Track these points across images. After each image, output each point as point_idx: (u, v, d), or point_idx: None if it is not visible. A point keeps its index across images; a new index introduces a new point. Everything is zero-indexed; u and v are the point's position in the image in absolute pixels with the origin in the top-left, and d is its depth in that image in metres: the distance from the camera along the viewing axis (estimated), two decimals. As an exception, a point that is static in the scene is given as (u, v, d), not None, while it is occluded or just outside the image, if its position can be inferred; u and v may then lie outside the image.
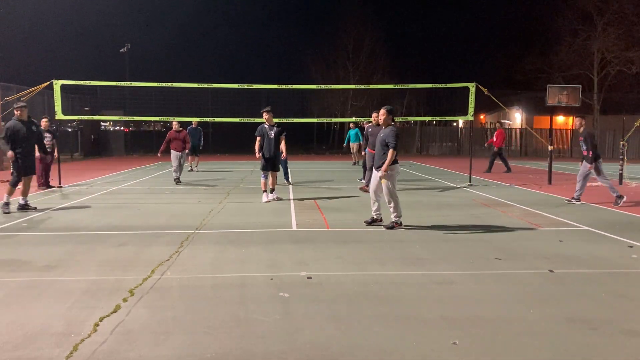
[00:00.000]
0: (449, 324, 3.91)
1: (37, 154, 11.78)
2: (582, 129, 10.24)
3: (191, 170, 17.48)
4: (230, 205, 9.89)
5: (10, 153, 8.82)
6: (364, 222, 7.78)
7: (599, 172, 10.07)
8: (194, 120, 16.87)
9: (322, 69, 37.99)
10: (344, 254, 6.01)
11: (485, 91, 13.56)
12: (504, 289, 4.76)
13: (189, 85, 16.25)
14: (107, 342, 3.53)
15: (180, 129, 14.25)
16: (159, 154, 14.33)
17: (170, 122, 15.69)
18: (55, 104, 13.32)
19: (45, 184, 12.24)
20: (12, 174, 9.10)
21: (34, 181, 12.31)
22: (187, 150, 14.47)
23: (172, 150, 13.87)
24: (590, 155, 9.93)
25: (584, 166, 10.16)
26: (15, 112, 9.10)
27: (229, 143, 31.43)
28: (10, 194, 9.00)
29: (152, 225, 7.84)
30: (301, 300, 4.41)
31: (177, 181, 13.81)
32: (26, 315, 4.04)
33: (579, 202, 10.29)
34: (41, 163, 12.14)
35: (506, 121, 41.91)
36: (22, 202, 9.14)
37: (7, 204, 8.92)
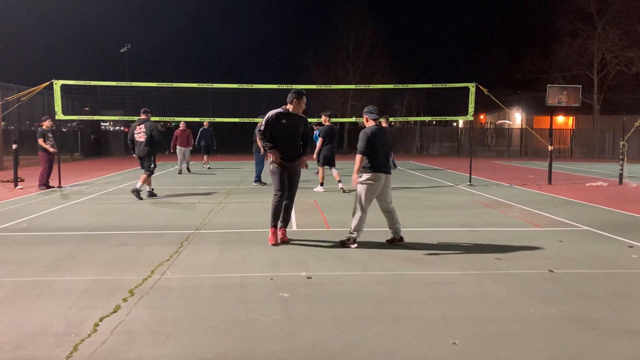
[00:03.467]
0: (449, 324, 3.91)
1: (50, 149, 12.03)
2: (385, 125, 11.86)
3: (207, 167, 18.88)
4: (230, 205, 9.89)
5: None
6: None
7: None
8: (205, 121, 17.20)
9: (322, 69, 37.96)
10: (344, 254, 6.00)
11: (486, 91, 13.57)
12: (504, 289, 4.76)
13: (189, 85, 16.29)
14: (107, 342, 3.52)
15: (186, 128, 16.76)
16: (171, 150, 16.75)
17: (170, 122, 17.12)
18: (55, 104, 13.33)
19: (45, 184, 12.25)
20: (150, 166, 10.67)
21: (35, 181, 12.37)
22: (191, 147, 16.85)
23: (177, 146, 16.56)
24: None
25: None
26: (145, 114, 10.86)
27: (229, 143, 31.39)
28: (145, 182, 10.63)
29: (152, 225, 7.84)
30: (301, 300, 4.41)
31: (180, 172, 16.59)
32: (26, 315, 4.04)
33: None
34: (47, 163, 12.17)
35: (506, 121, 41.94)
36: (150, 189, 10.92)
37: (139, 190, 10.49)
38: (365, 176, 6.20)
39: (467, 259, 5.80)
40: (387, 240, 6.57)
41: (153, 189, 11.03)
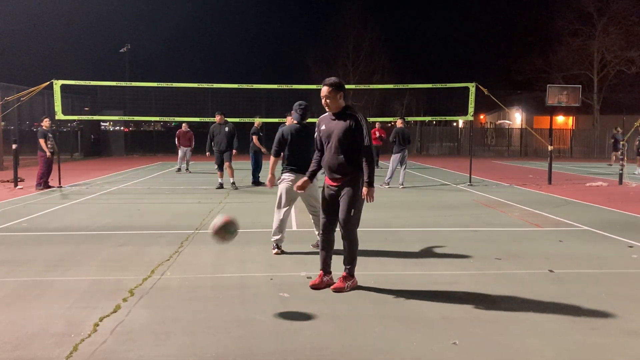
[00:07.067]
0: (449, 324, 3.91)
1: (47, 153, 11.93)
2: (399, 126, 13.01)
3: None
4: (230, 205, 9.89)
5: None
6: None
7: (401, 162, 12.80)
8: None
9: (322, 69, 37.93)
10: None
11: (486, 91, 13.57)
12: (504, 289, 4.76)
13: (189, 85, 16.30)
14: (107, 342, 3.52)
15: (188, 129, 17.21)
16: (178, 148, 17.42)
17: (170, 122, 17.37)
18: (55, 104, 13.33)
19: (42, 184, 12.21)
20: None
21: (33, 181, 12.35)
22: (191, 147, 17.29)
23: (180, 146, 17.09)
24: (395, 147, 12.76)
25: (394, 156, 12.84)
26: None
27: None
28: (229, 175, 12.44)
29: (152, 225, 7.83)
30: (301, 300, 4.41)
31: (178, 170, 17.17)
32: (26, 315, 4.04)
33: (387, 186, 12.69)
34: (45, 164, 12.13)
35: (506, 121, 41.94)
36: (231, 181, 12.51)
37: (233, 183, 12.47)
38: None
39: (467, 259, 5.80)
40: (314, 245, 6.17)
41: (233, 182, 12.66)
